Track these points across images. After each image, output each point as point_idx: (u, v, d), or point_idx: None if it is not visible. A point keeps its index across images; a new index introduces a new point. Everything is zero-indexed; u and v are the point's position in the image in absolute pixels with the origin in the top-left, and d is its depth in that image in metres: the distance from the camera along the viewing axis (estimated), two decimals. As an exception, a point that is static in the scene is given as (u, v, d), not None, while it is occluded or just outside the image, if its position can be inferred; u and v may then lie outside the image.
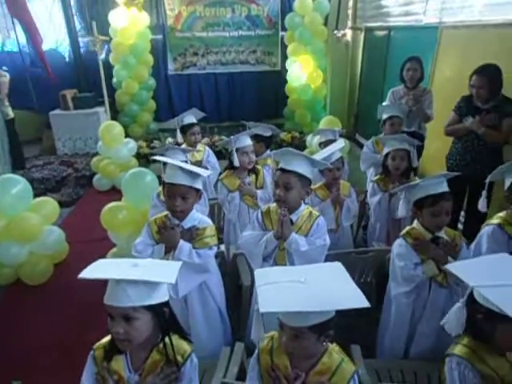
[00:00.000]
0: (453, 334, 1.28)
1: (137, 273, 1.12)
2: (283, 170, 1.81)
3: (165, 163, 2.58)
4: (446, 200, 1.71)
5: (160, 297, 1.17)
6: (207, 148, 3.44)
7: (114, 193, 4.66)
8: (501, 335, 1.18)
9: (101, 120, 5.76)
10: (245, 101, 6.82)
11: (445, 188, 1.73)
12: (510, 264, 1.26)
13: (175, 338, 1.25)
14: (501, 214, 1.87)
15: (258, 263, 1.87)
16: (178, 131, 3.31)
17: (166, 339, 1.21)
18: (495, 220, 1.85)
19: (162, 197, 2.49)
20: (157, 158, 2.16)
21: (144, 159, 5.17)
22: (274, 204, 1.92)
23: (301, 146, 5.28)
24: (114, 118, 5.95)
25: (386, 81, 5.43)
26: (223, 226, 2.85)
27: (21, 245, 2.96)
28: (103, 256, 3.11)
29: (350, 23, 6.45)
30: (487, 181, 1.84)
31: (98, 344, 1.30)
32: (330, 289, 1.16)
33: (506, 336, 1.17)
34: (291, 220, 1.84)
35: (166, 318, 1.22)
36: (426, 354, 1.77)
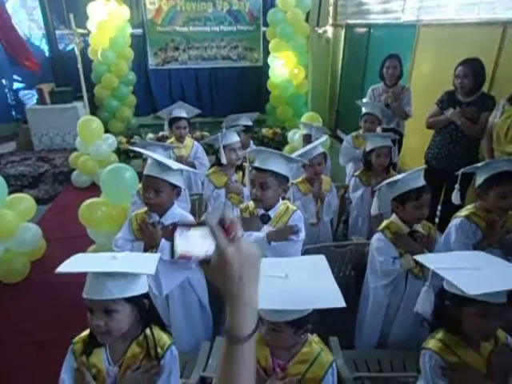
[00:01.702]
0: (426, 315, 1.33)
1: (114, 265, 1.12)
2: (259, 169, 1.82)
3: (145, 159, 2.57)
4: (427, 193, 1.79)
5: (139, 289, 1.17)
6: (196, 143, 3.39)
7: (94, 189, 4.57)
8: (466, 321, 1.23)
9: (79, 115, 5.63)
10: (226, 96, 6.79)
11: (423, 181, 1.80)
12: (478, 258, 1.32)
13: (155, 330, 1.25)
14: (469, 207, 1.96)
15: None
16: (166, 124, 3.28)
17: (147, 331, 1.22)
18: (463, 212, 1.94)
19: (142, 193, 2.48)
20: (134, 148, 2.14)
21: (124, 155, 5.10)
22: (251, 202, 1.93)
23: (282, 141, 5.31)
24: (93, 113, 5.84)
25: (366, 77, 5.51)
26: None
27: (-4, 242, 2.89)
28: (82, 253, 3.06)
29: (331, 20, 6.50)
30: (459, 173, 1.91)
31: (77, 338, 1.29)
32: (309, 286, 1.18)
33: (470, 321, 1.22)
34: (268, 216, 1.85)
35: (146, 310, 1.22)
36: (403, 343, 1.83)
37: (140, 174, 3.12)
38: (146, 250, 1.73)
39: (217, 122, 5.98)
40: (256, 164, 1.84)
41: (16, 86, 6.43)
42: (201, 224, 0.64)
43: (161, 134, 5.37)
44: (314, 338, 1.30)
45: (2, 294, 2.89)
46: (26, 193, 3.69)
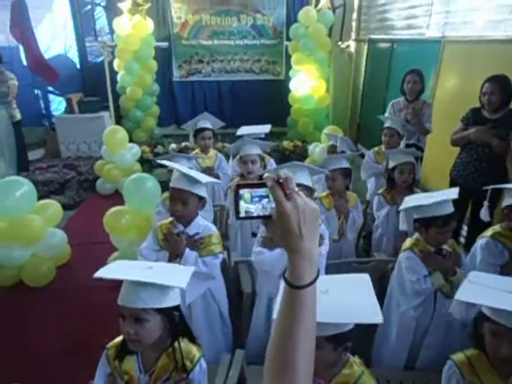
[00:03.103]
0: (456, 316, 1.31)
1: (149, 275, 1.15)
2: None
3: (170, 170, 2.63)
4: (454, 220, 1.76)
5: (171, 301, 1.20)
6: (219, 154, 3.44)
7: (117, 197, 4.68)
8: (487, 337, 1.22)
9: (105, 124, 5.80)
10: (248, 109, 6.86)
11: (451, 208, 1.76)
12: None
13: (185, 342, 1.27)
14: (495, 227, 1.93)
15: (274, 284, 1.83)
16: (191, 135, 3.35)
17: (176, 344, 1.23)
18: (489, 232, 1.90)
19: (167, 203, 2.53)
20: (163, 162, 2.20)
21: (147, 164, 5.21)
22: None
23: (303, 154, 5.33)
24: (118, 122, 6.01)
25: (388, 92, 5.49)
26: (227, 232, 2.88)
27: (23, 247, 2.98)
28: (105, 260, 3.13)
29: (353, 35, 6.54)
30: (489, 189, 1.87)
31: (111, 343, 1.33)
32: (349, 301, 1.17)
33: (486, 338, 1.21)
34: None
35: (175, 322, 1.24)
36: (430, 365, 1.78)
37: (163, 184, 3.20)
38: (170, 260, 1.77)
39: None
40: None
41: (47, 95, 6.69)
42: (260, 184, 0.68)
43: (183, 144, 5.48)
44: (355, 360, 1.27)
45: (28, 298, 2.97)
46: (52, 199, 3.82)
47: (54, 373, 2.29)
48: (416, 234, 1.87)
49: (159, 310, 1.18)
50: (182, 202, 1.77)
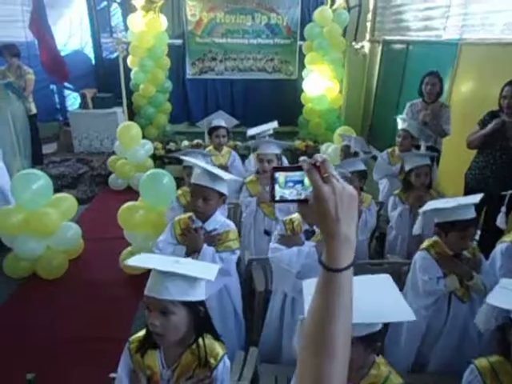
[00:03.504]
0: (480, 328, 1.30)
1: (178, 267, 1.15)
2: None
3: (185, 166, 2.65)
4: (474, 225, 1.75)
5: (197, 295, 1.20)
6: (233, 152, 3.46)
7: (130, 193, 4.73)
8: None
9: (118, 120, 5.85)
10: (260, 107, 6.86)
11: (473, 214, 1.74)
12: None
13: (208, 339, 1.26)
14: None
15: (290, 281, 1.84)
16: (206, 133, 3.37)
17: (200, 340, 1.23)
18: (509, 237, 1.87)
19: (181, 200, 2.54)
20: (185, 158, 2.21)
21: (159, 161, 5.24)
22: (296, 215, 1.94)
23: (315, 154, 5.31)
24: (131, 119, 6.05)
25: (402, 94, 5.45)
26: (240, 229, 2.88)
27: (38, 239, 3.02)
28: (117, 255, 3.16)
29: (368, 35, 6.51)
30: (508, 194, 1.85)
31: (134, 337, 1.32)
32: (378, 301, 1.17)
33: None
34: (313, 231, 1.86)
35: (201, 317, 1.24)
36: (443, 369, 1.78)
37: (177, 179, 3.22)
38: (188, 255, 1.78)
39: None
40: None
41: (62, 90, 6.76)
42: (296, 168, 0.68)
43: (195, 141, 5.50)
44: (380, 360, 1.26)
45: (41, 290, 3.01)
46: (65, 192, 3.86)
47: (63, 362, 2.33)
48: (434, 236, 1.86)
49: (185, 304, 1.18)
50: (203, 199, 1.77)
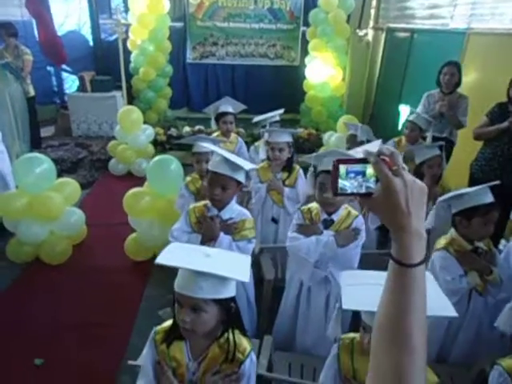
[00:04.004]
0: (505, 332, 1.30)
1: (210, 264, 1.13)
2: (328, 172, 1.80)
3: (194, 153, 2.61)
4: (496, 210, 1.74)
5: (229, 292, 1.18)
6: (240, 139, 3.43)
7: (130, 178, 4.68)
8: None
9: (117, 104, 5.74)
10: (261, 94, 6.78)
11: (491, 198, 1.75)
12: None
13: (236, 334, 1.25)
14: None
15: (308, 270, 1.84)
16: (213, 119, 3.32)
17: (229, 334, 1.22)
18: None
19: (190, 186, 2.51)
20: (205, 145, 2.16)
21: (161, 146, 5.17)
22: (314, 204, 1.92)
23: (317, 143, 5.28)
24: (130, 103, 5.94)
25: (405, 83, 5.41)
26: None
27: (42, 224, 2.98)
28: (122, 240, 3.13)
29: (371, 23, 6.42)
30: None
31: (159, 327, 1.31)
32: None
33: None
34: (332, 220, 1.85)
35: (231, 314, 1.22)
36: (461, 360, 1.80)
37: (183, 166, 3.17)
38: (203, 243, 1.76)
39: (250, 118, 6.00)
40: (324, 167, 1.82)
41: (60, 72, 6.61)
42: (361, 160, 0.65)
43: (197, 127, 5.43)
44: None
45: (44, 275, 2.99)
46: (65, 177, 3.80)
47: (67, 348, 2.32)
48: (450, 233, 1.86)
49: (217, 301, 1.16)
50: (221, 187, 1.75)
